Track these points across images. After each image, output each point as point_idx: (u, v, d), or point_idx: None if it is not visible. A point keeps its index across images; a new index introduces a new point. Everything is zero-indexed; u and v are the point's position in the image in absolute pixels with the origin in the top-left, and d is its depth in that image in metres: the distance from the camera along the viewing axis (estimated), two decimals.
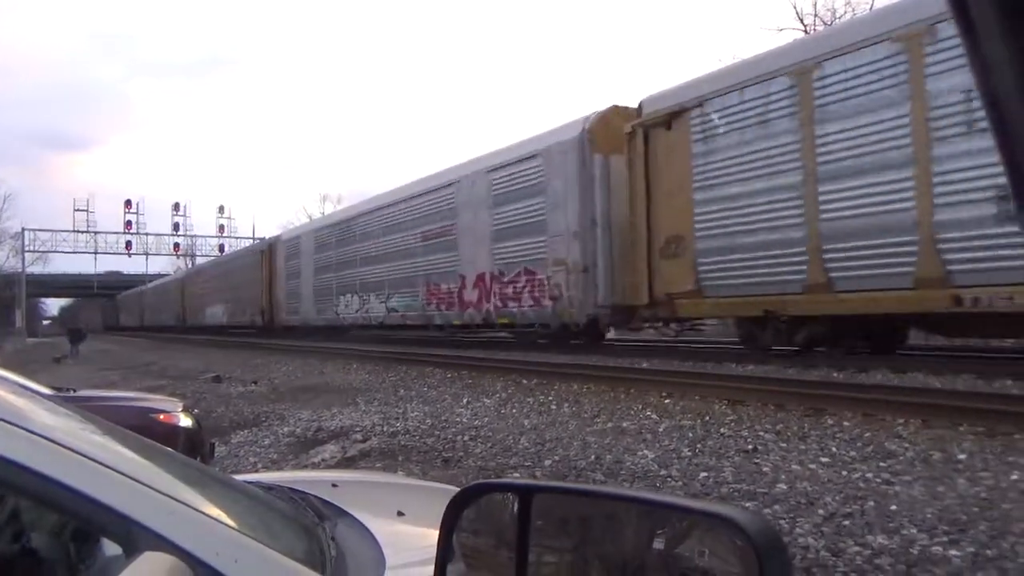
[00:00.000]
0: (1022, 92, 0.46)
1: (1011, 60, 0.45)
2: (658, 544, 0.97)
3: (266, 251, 30.75)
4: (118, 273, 69.54)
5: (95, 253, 62.06)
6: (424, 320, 18.56)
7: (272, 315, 29.16)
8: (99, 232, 61.82)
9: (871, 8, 20.21)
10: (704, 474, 4.74)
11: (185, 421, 5.34)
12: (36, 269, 62.49)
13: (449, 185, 17.41)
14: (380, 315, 20.70)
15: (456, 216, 16.92)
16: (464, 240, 16.63)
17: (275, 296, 29.07)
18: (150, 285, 60.83)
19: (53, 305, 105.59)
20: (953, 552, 3.11)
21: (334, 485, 1.93)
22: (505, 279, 15.18)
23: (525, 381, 9.86)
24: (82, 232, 61.10)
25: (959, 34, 0.50)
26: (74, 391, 5.89)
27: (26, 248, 58.98)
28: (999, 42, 0.46)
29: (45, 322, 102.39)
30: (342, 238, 23.24)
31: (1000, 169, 0.51)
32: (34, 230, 60.02)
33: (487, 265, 15.78)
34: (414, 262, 18.62)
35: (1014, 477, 4.11)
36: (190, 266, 59.90)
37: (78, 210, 61.07)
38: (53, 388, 5.30)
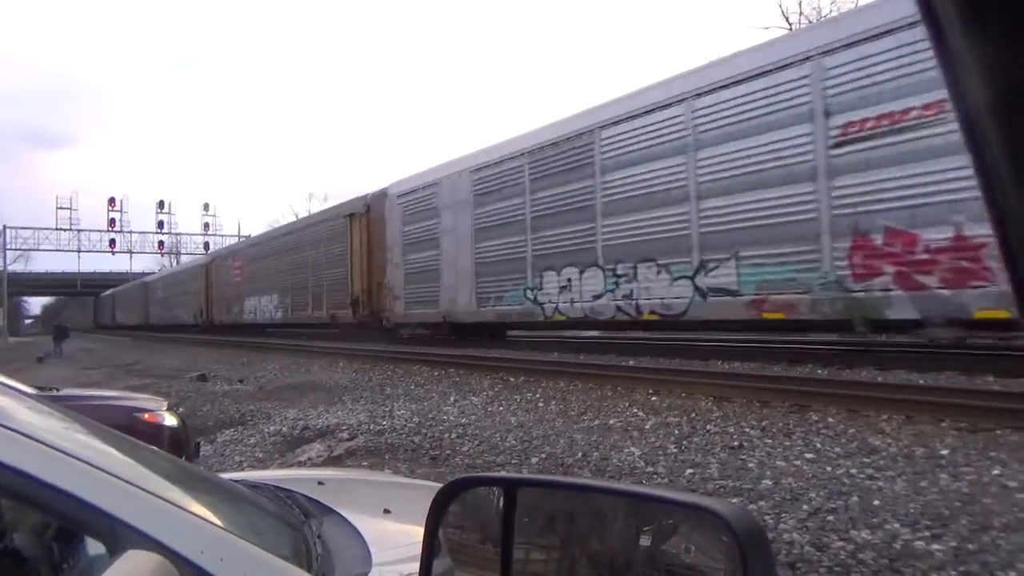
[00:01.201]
0: (993, 112, 0.47)
1: (983, 77, 0.46)
2: (644, 540, 0.98)
3: (361, 215, 20.34)
4: (104, 273, 68.45)
5: (78, 251, 61.40)
6: (840, 308, 8.85)
7: (373, 307, 19.64)
8: (82, 230, 61.23)
9: (857, 4, 20.32)
10: (690, 470, 4.77)
11: (170, 420, 5.30)
12: (18, 267, 61.89)
13: None
14: (676, 302, 10.87)
15: None
16: None
17: (377, 279, 19.46)
18: (157, 275, 52.83)
19: (35, 304, 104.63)
20: (935, 546, 3.14)
21: (320, 483, 1.93)
22: None
23: (512, 379, 9.87)
24: (65, 230, 60.48)
25: (934, 53, 0.49)
26: (58, 390, 5.84)
27: (8, 246, 58.33)
28: (970, 58, 0.46)
29: (27, 321, 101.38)
30: (552, 172, 13.48)
31: None
32: (16, 228, 59.37)
33: None
34: (808, 193, 9.10)
35: (996, 472, 4.16)
36: (175, 264, 58.72)
37: (61, 208, 60.46)
38: (36, 387, 5.25)
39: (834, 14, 21.29)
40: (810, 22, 24.26)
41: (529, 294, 14.04)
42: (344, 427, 7.46)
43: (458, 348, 14.93)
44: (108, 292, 66.05)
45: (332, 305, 21.96)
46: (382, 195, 19.85)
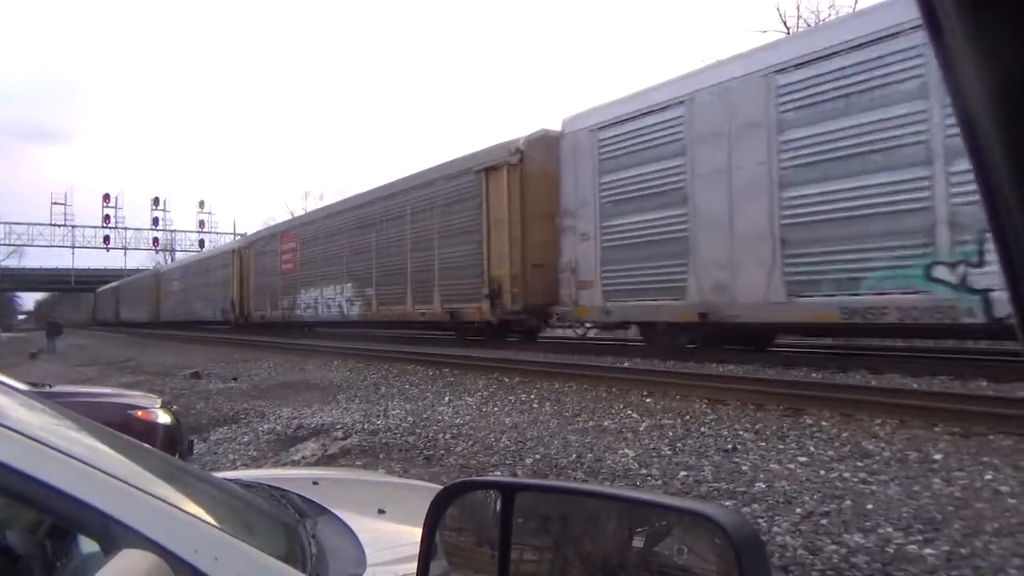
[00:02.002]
0: (992, 112, 0.46)
1: (981, 77, 0.45)
2: (638, 542, 0.98)
3: (510, 166, 14.38)
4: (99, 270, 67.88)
5: (72, 247, 61.24)
6: None
7: (530, 299, 14.14)
8: (77, 226, 61.06)
9: (854, 8, 20.38)
10: (684, 473, 4.77)
11: (164, 418, 5.28)
12: (11, 263, 61.71)
13: None
14: None
15: None
16: None
17: (534, 260, 14.05)
18: (172, 264, 47.83)
19: (28, 299, 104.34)
20: (928, 551, 3.15)
21: (315, 483, 1.92)
22: None
23: (507, 379, 9.86)
24: (59, 226, 60.31)
25: (934, 54, 0.49)
26: (50, 387, 5.82)
27: (1, 241, 58.16)
28: (969, 58, 0.45)
29: (20, 317, 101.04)
30: None
31: None
32: (10, 223, 59.17)
33: None
34: None
35: (988, 477, 4.18)
36: (169, 260, 58.00)
37: (55, 203, 60.29)
38: (29, 384, 5.23)
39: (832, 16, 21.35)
40: (808, 25, 24.33)
41: (943, 274, 8.01)
42: (338, 426, 7.45)
43: (452, 348, 14.85)
44: (111, 285, 61.34)
45: (451, 297, 15.94)
46: (547, 137, 14.14)
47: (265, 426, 8.07)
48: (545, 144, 14.05)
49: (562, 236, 13.19)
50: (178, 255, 61.01)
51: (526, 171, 14.23)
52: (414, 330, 19.27)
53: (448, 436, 6.58)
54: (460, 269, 15.78)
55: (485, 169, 15.05)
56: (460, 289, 15.73)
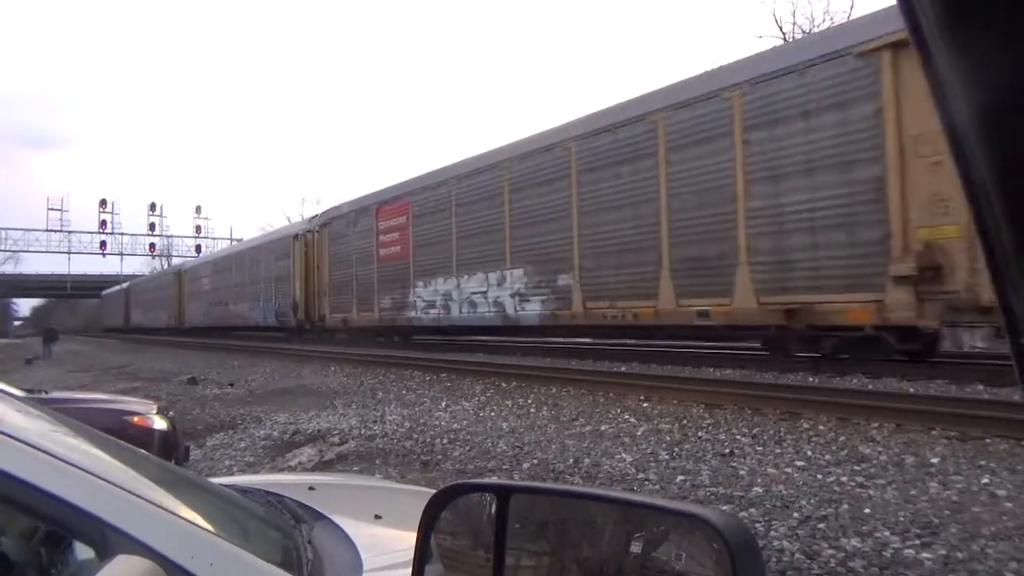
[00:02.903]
0: (977, 129, 0.47)
1: (966, 95, 0.46)
2: (635, 547, 0.98)
3: None
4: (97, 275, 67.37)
5: (69, 253, 61.10)
6: None
7: None
8: (73, 231, 60.92)
9: (849, 15, 20.41)
10: (681, 477, 4.77)
11: (160, 423, 5.26)
12: (7, 269, 61.58)
13: None
14: None
15: None
16: None
17: None
18: (200, 259, 41.80)
19: (24, 305, 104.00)
20: (925, 555, 3.15)
21: (311, 488, 1.92)
22: None
23: (504, 384, 9.86)
24: (56, 231, 60.16)
25: (923, 73, 0.49)
26: (46, 393, 5.80)
27: None
28: (954, 78, 0.46)
29: (16, 323, 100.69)
30: None
31: None
32: (6, 229, 59.04)
33: None
34: None
35: (985, 481, 4.18)
36: (165, 266, 57.52)
37: (52, 209, 60.14)
38: (25, 390, 5.21)
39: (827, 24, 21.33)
40: (803, 31, 24.42)
41: None
42: (335, 432, 7.43)
43: (449, 353, 14.84)
44: (119, 287, 55.49)
45: (783, 282, 9.44)
46: None
47: (261, 432, 8.05)
48: None
49: None
50: (175, 260, 60.78)
51: None
52: (660, 339, 12.66)
53: (445, 441, 6.57)
54: (814, 231, 9.06)
55: (891, 44, 8.07)
56: (813, 266, 9.11)
